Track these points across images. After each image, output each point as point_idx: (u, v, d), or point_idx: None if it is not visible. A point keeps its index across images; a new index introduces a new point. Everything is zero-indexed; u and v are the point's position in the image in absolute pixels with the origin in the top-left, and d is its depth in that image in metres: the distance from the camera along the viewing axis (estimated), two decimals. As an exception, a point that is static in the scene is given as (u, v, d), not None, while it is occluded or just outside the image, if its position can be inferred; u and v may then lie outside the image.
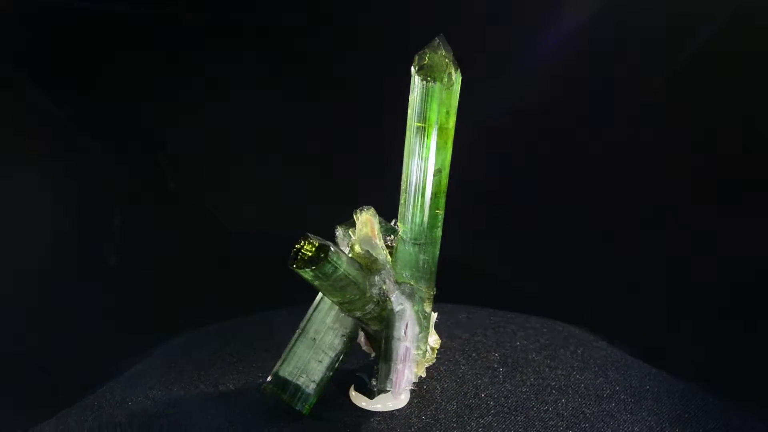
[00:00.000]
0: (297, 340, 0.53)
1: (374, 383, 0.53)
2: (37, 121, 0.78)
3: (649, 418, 0.53)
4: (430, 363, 0.54)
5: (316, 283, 0.47)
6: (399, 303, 0.51)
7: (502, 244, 0.83)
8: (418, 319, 0.51)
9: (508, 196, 0.82)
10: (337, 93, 0.81)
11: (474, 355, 0.61)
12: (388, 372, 0.51)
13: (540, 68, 0.76)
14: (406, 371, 0.52)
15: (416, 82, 0.44)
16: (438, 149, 0.46)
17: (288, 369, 0.53)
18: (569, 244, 0.81)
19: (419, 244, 0.48)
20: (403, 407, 0.54)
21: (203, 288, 0.82)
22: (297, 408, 0.53)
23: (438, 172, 0.47)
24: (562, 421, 0.52)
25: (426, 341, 0.52)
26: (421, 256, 0.49)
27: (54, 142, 0.79)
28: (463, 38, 0.78)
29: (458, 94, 0.45)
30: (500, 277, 0.81)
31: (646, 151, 0.77)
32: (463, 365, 0.59)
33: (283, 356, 0.53)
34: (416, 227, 0.48)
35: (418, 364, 0.52)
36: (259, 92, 0.82)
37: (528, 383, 0.57)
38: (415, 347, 0.51)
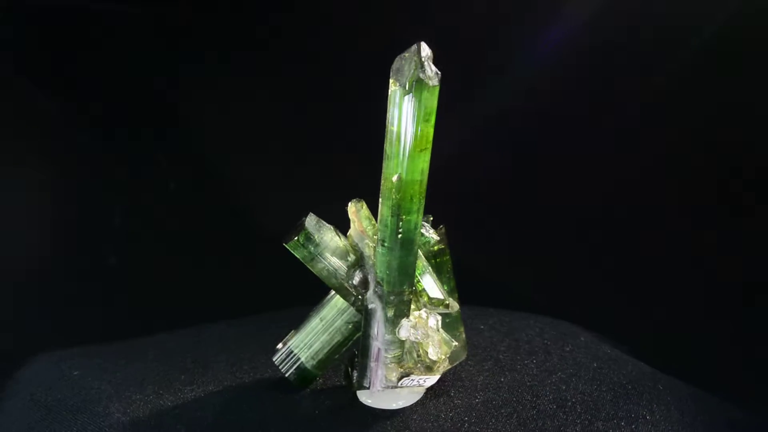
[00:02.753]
0: (311, 317, 0.55)
1: (355, 376, 0.53)
2: (37, 121, 0.78)
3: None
4: (414, 373, 0.53)
5: (305, 264, 0.51)
6: (371, 301, 0.51)
7: (502, 244, 0.83)
8: (384, 322, 0.51)
9: (508, 196, 0.82)
10: (338, 92, 0.81)
11: (480, 353, 0.61)
12: (364, 368, 0.52)
13: (540, 68, 0.76)
14: (379, 371, 0.52)
15: (389, 85, 0.45)
16: (399, 154, 0.46)
17: (296, 342, 0.55)
18: (569, 243, 0.81)
19: (387, 248, 0.49)
20: (408, 406, 0.54)
21: (203, 288, 0.82)
22: (292, 379, 0.55)
23: (399, 178, 0.46)
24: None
25: (399, 346, 0.51)
26: (387, 259, 0.49)
27: (54, 142, 0.79)
28: (464, 38, 0.78)
29: (428, 102, 0.44)
30: (502, 277, 0.81)
31: (645, 150, 0.77)
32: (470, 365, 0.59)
33: (297, 329, 0.55)
34: (385, 230, 0.48)
35: (387, 368, 0.52)
36: (260, 91, 0.82)
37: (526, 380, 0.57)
38: (385, 350, 0.51)
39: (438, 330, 0.52)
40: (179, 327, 0.70)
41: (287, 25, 0.81)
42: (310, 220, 0.51)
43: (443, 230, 0.56)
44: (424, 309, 0.52)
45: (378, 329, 0.51)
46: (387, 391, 0.53)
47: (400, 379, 0.52)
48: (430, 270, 0.53)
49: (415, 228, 0.48)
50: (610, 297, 0.77)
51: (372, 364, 0.52)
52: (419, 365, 0.52)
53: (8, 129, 0.77)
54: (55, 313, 0.77)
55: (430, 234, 0.55)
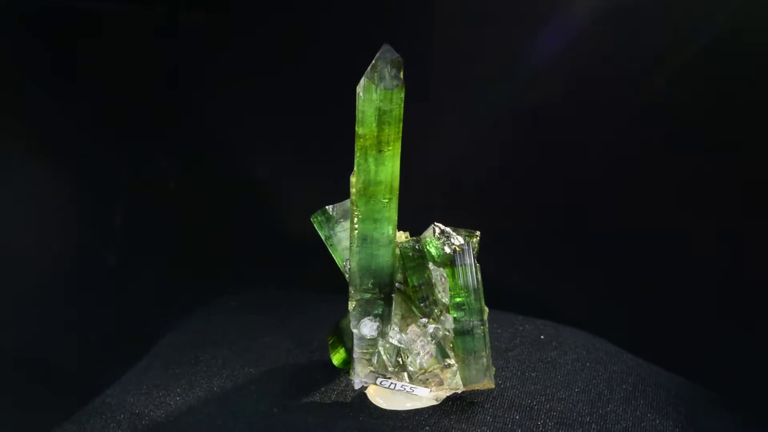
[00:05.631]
0: None
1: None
2: (37, 121, 0.78)
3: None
4: (392, 377, 0.53)
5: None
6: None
7: (502, 245, 0.83)
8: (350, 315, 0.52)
9: (508, 197, 0.83)
10: (341, 91, 0.81)
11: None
12: (352, 359, 0.53)
13: (540, 68, 0.76)
14: (357, 365, 0.52)
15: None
16: (356, 153, 0.47)
17: (344, 322, 0.56)
18: (568, 244, 0.81)
19: (350, 242, 0.50)
20: (415, 408, 0.54)
21: (203, 288, 0.82)
22: (331, 357, 0.57)
23: (353, 175, 0.48)
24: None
25: (370, 344, 0.52)
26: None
27: (54, 143, 0.79)
28: (463, 38, 0.78)
29: (383, 105, 0.45)
30: (501, 278, 0.81)
31: (645, 151, 0.77)
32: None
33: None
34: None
35: (359, 362, 0.52)
36: (261, 91, 0.82)
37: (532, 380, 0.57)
38: (356, 344, 0.52)
39: (431, 342, 0.52)
40: (180, 326, 0.70)
41: (289, 24, 0.81)
42: (341, 204, 0.53)
43: (461, 249, 0.52)
44: (425, 318, 0.52)
45: (352, 324, 0.52)
46: (391, 392, 0.53)
47: (376, 377, 0.52)
48: (430, 281, 0.52)
49: (378, 230, 0.49)
50: (613, 298, 0.78)
51: (354, 357, 0.53)
52: (397, 370, 0.52)
53: (8, 129, 0.76)
54: (54, 313, 0.77)
55: (443, 247, 0.51)
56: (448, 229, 0.52)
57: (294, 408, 0.54)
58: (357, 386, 0.54)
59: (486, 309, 0.52)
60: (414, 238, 0.53)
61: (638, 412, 0.54)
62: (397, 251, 0.52)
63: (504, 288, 0.80)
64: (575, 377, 0.58)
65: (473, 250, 0.51)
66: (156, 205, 0.84)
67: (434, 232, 0.51)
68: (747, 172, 0.72)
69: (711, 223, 0.74)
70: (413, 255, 0.51)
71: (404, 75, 0.46)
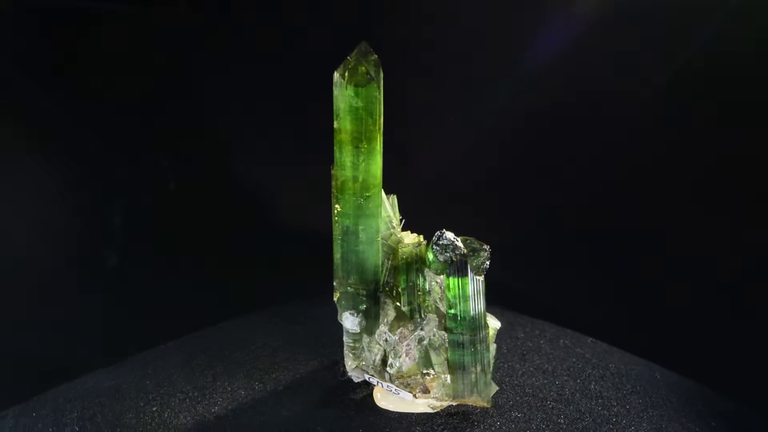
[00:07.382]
0: None
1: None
2: (37, 121, 0.78)
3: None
4: (375, 375, 0.52)
5: None
6: None
7: (501, 246, 0.83)
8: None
9: (508, 197, 0.83)
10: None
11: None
12: None
13: (541, 68, 0.76)
14: (345, 358, 0.53)
15: None
16: (334, 147, 0.48)
17: None
18: (568, 244, 0.81)
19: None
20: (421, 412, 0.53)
21: (203, 288, 0.82)
22: None
23: (332, 168, 0.49)
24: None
25: (355, 338, 0.52)
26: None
27: (54, 142, 0.79)
28: (463, 38, 0.78)
29: (352, 101, 0.46)
30: (502, 280, 0.81)
31: (646, 151, 0.77)
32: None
33: None
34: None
35: (346, 354, 0.53)
36: (261, 90, 0.82)
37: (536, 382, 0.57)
38: (344, 335, 0.52)
39: (416, 347, 0.51)
40: (179, 328, 0.70)
41: (289, 25, 0.81)
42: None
43: (457, 260, 0.49)
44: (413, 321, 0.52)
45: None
46: (396, 396, 0.53)
47: (363, 373, 0.53)
48: (418, 285, 0.52)
49: (358, 225, 0.49)
50: (612, 298, 0.78)
51: (344, 349, 0.54)
52: (380, 369, 0.52)
53: (8, 129, 0.76)
54: (54, 313, 0.77)
55: (438, 255, 0.49)
56: (453, 237, 0.49)
57: (294, 407, 0.54)
58: (356, 380, 0.54)
59: (493, 326, 0.51)
60: (420, 241, 0.52)
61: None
62: (399, 253, 0.52)
63: (504, 289, 0.80)
64: (585, 415, 0.55)
65: (483, 263, 0.49)
66: (156, 205, 0.84)
67: (436, 238, 0.49)
68: (749, 171, 0.72)
69: (713, 222, 0.74)
70: (408, 258, 0.51)
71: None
